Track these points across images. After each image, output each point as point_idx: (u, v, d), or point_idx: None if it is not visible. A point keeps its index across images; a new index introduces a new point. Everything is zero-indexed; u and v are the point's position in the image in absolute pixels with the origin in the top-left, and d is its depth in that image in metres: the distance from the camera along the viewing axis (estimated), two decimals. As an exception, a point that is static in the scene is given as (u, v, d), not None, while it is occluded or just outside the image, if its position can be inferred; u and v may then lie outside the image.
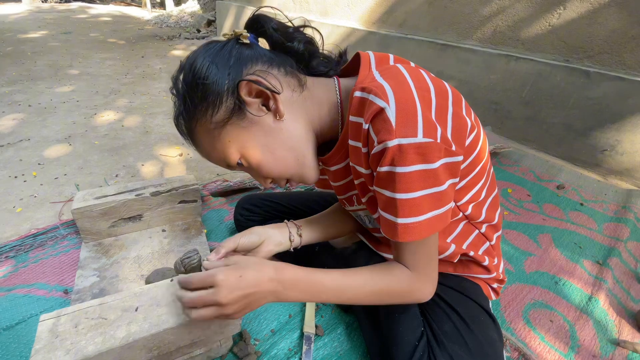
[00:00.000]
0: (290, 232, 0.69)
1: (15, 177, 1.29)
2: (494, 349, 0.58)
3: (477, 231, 0.66)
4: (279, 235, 0.68)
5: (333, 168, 0.64)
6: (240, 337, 0.72)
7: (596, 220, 1.27)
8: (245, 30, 0.56)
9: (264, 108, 0.53)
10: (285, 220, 0.72)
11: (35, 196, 1.18)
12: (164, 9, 7.18)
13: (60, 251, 0.90)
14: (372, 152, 0.49)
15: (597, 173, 1.61)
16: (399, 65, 0.54)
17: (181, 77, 0.53)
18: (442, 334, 0.59)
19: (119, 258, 0.86)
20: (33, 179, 1.29)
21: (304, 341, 0.72)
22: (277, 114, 0.53)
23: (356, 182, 0.58)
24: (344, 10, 2.78)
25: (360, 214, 0.71)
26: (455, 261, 0.65)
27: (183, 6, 6.72)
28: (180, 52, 3.64)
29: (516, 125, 1.84)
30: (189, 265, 0.57)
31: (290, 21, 0.60)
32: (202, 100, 0.51)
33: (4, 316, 0.72)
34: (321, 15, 3.01)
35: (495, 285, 0.71)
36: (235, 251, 0.62)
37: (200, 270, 0.59)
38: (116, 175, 1.35)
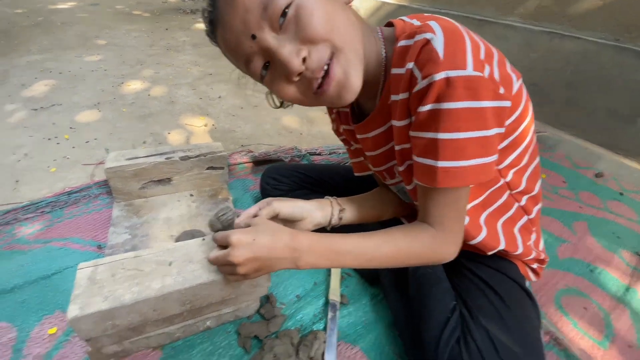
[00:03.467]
0: (332, 214, 0.66)
1: (49, 139, 1.32)
2: (532, 328, 0.56)
3: (516, 204, 0.62)
4: (319, 216, 0.65)
5: (372, 134, 0.61)
6: (266, 300, 0.73)
7: (637, 211, 1.19)
8: None
9: None
10: (329, 198, 0.68)
11: (68, 158, 1.22)
12: (188, -18, 7.09)
13: (93, 209, 0.93)
14: (414, 91, 0.45)
15: (640, 163, 1.51)
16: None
17: None
18: (476, 308, 0.57)
19: (149, 218, 0.87)
20: (65, 142, 1.32)
21: (329, 308, 0.72)
22: None
23: (397, 147, 0.55)
24: (374, -16, 2.65)
25: (403, 185, 0.68)
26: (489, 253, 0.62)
27: (206, -20, 6.60)
28: (204, 25, 3.60)
29: (554, 108, 1.73)
30: (226, 221, 0.56)
31: None
32: None
33: (41, 266, 0.75)
34: (349, -12, 2.89)
35: (535, 266, 0.67)
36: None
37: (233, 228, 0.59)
38: (144, 142, 1.36)
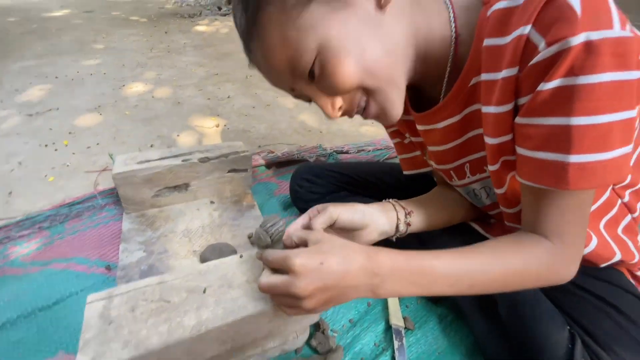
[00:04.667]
0: (398, 218, 0.53)
1: (46, 145, 1.19)
2: None
3: (618, 202, 0.50)
4: (385, 222, 0.52)
5: (442, 124, 0.49)
6: (316, 328, 0.59)
7: None
8: None
9: None
10: (389, 201, 0.56)
11: (67, 165, 1.09)
12: (184, -12, 7.02)
13: (99, 222, 0.80)
14: (532, 64, 0.34)
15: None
16: None
17: None
18: (604, 335, 0.44)
19: (166, 231, 0.74)
20: (64, 148, 1.19)
21: (393, 335, 0.59)
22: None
23: (492, 140, 0.42)
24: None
25: (475, 187, 0.55)
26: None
27: (203, -15, 6.55)
28: (203, 27, 3.50)
29: None
30: (277, 234, 0.43)
31: None
32: None
33: (39, 294, 0.62)
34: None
35: (639, 273, 0.55)
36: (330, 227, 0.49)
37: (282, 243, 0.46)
38: (151, 145, 1.23)
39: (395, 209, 0.54)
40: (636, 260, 0.50)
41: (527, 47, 0.35)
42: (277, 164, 1.06)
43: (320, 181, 0.81)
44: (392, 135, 0.68)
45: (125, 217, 0.77)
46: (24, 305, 0.60)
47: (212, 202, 0.84)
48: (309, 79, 0.40)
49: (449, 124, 0.48)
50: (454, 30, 0.42)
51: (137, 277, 0.62)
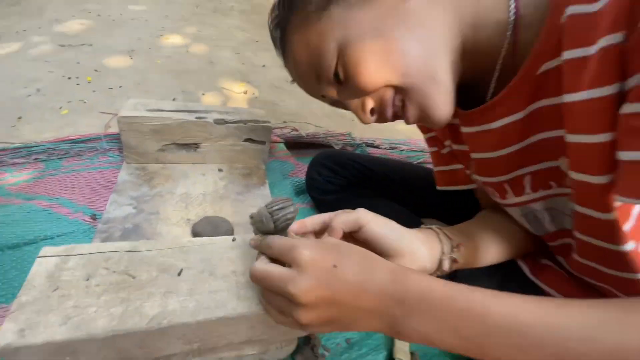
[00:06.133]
0: (443, 252, 0.42)
1: (69, 78, 1.15)
2: None
3: None
4: (425, 255, 0.40)
5: (498, 123, 0.38)
6: (305, 341, 0.50)
7: None
8: None
9: None
10: (432, 227, 0.44)
11: (85, 102, 1.03)
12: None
13: (98, 166, 0.73)
14: None
15: None
16: None
17: None
18: None
19: (163, 191, 0.67)
20: (87, 84, 1.14)
21: (395, 372, 0.49)
22: None
23: (572, 137, 0.30)
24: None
25: (536, 207, 0.43)
26: None
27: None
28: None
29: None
30: (283, 220, 0.34)
31: None
32: None
33: (12, 231, 0.55)
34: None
35: None
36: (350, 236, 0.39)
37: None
38: (173, 99, 1.16)
39: (440, 239, 0.43)
40: None
41: (635, 9, 0.24)
42: (298, 145, 0.96)
43: (341, 171, 0.70)
44: (429, 142, 0.57)
45: (124, 167, 0.70)
46: (-7, 238, 0.54)
47: (220, 170, 0.76)
48: (336, 83, 0.38)
49: (507, 122, 0.37)
50: (513, 12, 0.34)
51: (119, 235, 0.55)
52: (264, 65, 1.63)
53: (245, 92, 1.32)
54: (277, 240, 0.32)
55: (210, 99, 1.22)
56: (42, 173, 0.69)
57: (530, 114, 0.36)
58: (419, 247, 0.40)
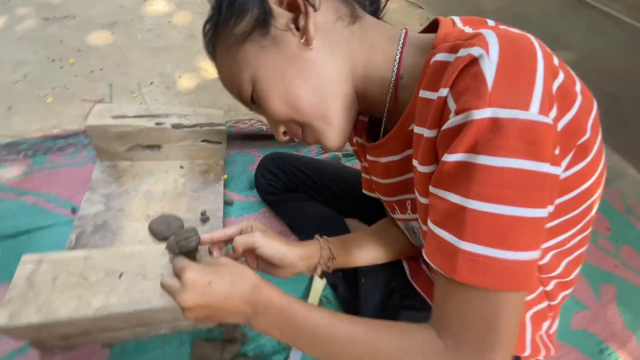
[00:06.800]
0: (319, 263, 0.56)
1: (53, 60, 1.22)
2: None
3: (540, 289, 0.49)
4: (302, 267, 0.54)
5: (384, 159, 0.48)
6: (231, 315, 0.67)
7: (683, 285, 1.02)
8: None
9: (293, 27, 0.40)
10: (319, 240, 0.58)
11: (68, 88, 1.13)
12: None
13: (77, 162, 0.86)
14: (444, 129, 0.32)
15: None
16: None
17: None
18: None
19: (129, 189, 0.80)
20: (69, 67, 1.22)
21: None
22: (304, 36, 0.39)
23: (421, 199, 0.41)
24: None
25: (414, 225, 0.55)
26: None
27: None
28: None
29: (629, 133, 1.44)
30: (185, 248, 0.47)
31: None
32: (230, 5, 0.40)
33: (9, 223, 0.71)
34: None
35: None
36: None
37: (196, 253, 0.50)
38: (151, 83, 1.24)
39: (320, 252, 0.56)
40: (526, 353, 0.51)
41: (444, 111, 0.32)
42: (260, 137, 1.06)
43: (282, 176, 0.82)
44: (354, 153, 0.66)
45: (97, 165, 0.83)
46: (-4, 229, 0.70)
47: (181, 167, 0.88)
48: (254, 104, 0.44)
49: (389, 160, 0.48)
50: (394, 73, 0.41)
51: (90, 230, 0.70)
52: (244, 39, 1.64)
53: (221, 73, 1.38)
54: (177, 263, 0.45)
55: (185, 82, 1.29)
56: (30, 169, 0.82)
57: (405, 157, 0.45)
58: (298, 261, 0.54)
